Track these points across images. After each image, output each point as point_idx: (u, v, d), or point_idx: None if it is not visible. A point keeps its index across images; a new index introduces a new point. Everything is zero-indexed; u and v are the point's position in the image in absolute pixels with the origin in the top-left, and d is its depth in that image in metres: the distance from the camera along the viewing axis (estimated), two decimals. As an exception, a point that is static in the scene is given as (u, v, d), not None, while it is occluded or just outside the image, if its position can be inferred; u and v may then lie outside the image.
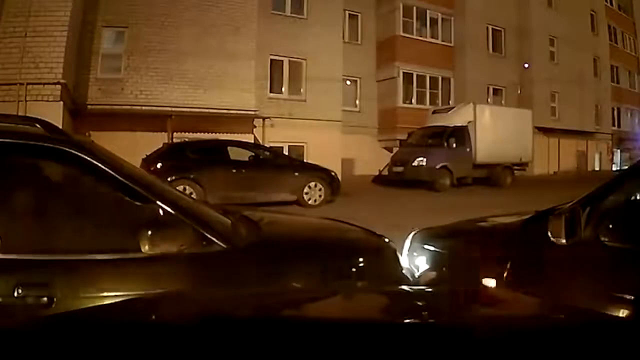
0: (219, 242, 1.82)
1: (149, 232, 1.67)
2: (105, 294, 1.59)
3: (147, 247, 1.66)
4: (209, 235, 1.81)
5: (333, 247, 2.25)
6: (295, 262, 1.98)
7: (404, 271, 2.39)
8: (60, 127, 8.60)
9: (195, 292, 1.59)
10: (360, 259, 2.21)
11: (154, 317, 1.11)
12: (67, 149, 1.75)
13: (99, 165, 1.76)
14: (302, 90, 15.73)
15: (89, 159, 1.75)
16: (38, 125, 1.97)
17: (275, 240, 2.16)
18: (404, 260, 2.35)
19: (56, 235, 1.78)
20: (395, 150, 17.23)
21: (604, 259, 1.91)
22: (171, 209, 1.80)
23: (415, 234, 3.11)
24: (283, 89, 15.61)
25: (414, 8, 19.24)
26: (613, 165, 25.97)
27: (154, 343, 0.81)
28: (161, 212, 1.77)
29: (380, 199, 12.10)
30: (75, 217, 1.85)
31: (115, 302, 1.47)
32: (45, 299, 1.54)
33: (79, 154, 1.75)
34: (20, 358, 0.78)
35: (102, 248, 1.71)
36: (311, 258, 2.05)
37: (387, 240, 2.53)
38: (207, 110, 12.69)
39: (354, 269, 2.13)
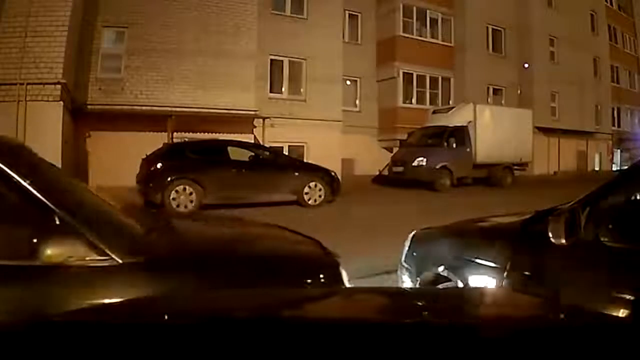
0: (114, 256, 1.65)
1: (36, 240, 1.55)
2: None
3: (33, 256, 1.54)
4: (103, 247, 1.65)
5: (263, 265, 1.99)
6: (207, 282, 1.75)
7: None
8: (60, 126, 8.52)
9: (195, 292, 1.59)
10: (293, 278, 1.96)
11: (153, 317, 1.11)
12: None
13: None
14: (302, 90, 15.74)
15: None
16: None
17: (189, 256, 1.94)
18: (346, 279, 2.14)
19: None
20: (395, 150, 17.24)
21: (604, 259, 1.90)
22: (69, 216, 1.64)
23: (415, 234, 3.11)
24: (283, 89, 15.61)
25: (414, 8, 19.25)
26: (613, 165, 25.96)
27: (153, 343, 0.81)
28: (58, 219, 1.62)
29: (380, 199, 12.11)
30: None
31: (114, 303, 1.47)
32: None
33: None
34: None
35: None
36: (232, 277, 1.82)
37: (330, 252, 2.29)
38: (207, 110, 12.70)
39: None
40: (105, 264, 1.63)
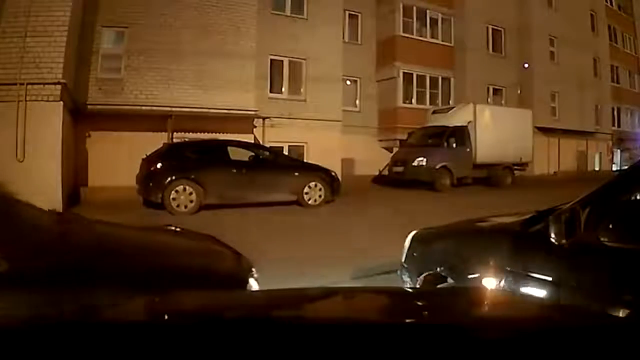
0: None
1: None
2: None
3: None
4: None
5: (149, 277, 1.90)
6: (86, 292, 1.63)
7: None
8: (60, 126, 8.47)
9: (195, 292, 1.59)
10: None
11: (153, 317, 1.11)
12: None
13: None
14: (302, 90, 15.73)
15: None
16: None
17: (84, 265, 1.83)
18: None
19: None
20: (395, 150, 17.24)
21: (604, 259, 1.90)
22: None
23: (415, 234, 3.11)
24: (283, 89, 15.60)
25: (414, 8, 19.25)
26: (613, 165, 25.97)
27: (153, 343, 0.81)
28: None
29: (380, 199, 12.11)
30: None
31: (114, 303, 1.47)
32: None
33: None
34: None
35: None
36: (115, 288, 1.71)
37: (240, 269, 2.22)
38: (207, 110, 12.69)
39: None
40: None
